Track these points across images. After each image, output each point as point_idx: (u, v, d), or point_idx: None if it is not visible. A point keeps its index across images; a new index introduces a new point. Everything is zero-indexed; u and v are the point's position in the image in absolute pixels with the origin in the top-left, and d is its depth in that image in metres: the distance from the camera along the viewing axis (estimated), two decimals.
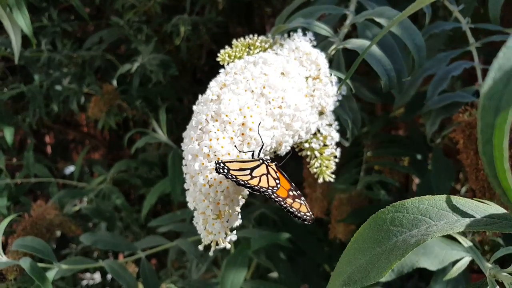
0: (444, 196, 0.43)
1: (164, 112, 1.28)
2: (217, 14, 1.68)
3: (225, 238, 0.57)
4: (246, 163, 0.55)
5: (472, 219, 0.40)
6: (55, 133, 2.30)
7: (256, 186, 0.53)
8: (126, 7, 1.56)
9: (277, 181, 0.55)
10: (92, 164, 1.86)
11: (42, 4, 1.57)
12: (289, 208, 0.54)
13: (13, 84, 1.54)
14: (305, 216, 0.54)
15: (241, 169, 0.54)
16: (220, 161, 0.53)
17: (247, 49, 0.70)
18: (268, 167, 0.56)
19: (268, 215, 1.27)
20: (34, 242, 0.95)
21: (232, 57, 0.69)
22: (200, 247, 0.59)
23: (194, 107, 0.61)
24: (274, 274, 1.29)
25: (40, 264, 0.90)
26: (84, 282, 1.75)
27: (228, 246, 0.58)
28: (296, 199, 0.55)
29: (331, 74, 0.70)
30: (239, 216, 0.58)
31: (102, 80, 1.74)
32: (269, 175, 0.56)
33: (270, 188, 0.54)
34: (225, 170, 0.52)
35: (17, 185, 1.55)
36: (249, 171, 0.54)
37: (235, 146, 0.56)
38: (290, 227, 1.22)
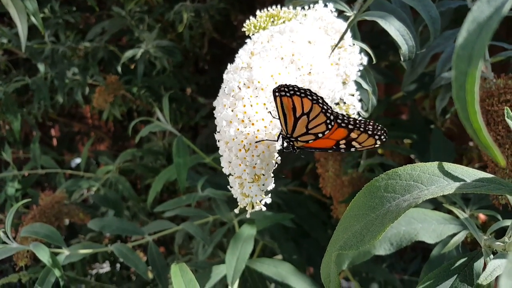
0: (436, 162, 0.44)
1: (167, 100, 1.29)
2: (219, 1, 1.69)
3: (261, 201, 0.58)
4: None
5: (462, 182, 0.41)
6: (61, 126, 2.32)
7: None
8: None
9: None
10: (98, 156, 1.88)
11: None
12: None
13: (17, 77, 1.56)
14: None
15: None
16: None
17: (271, 20, 0.71)
18: None
19: (272, 198, 1.28)
20: (42, 228, 0.96)
21: (257, 28, 0.70)
22: (236, 211, 0.61)
23: (224, 76, 0.62)
24: (279, 257, 1.31)
25: (50, 250, 0.91)
26: (94, 272, 1.78)
27: (264, 208, 0.59)
28: None
29: (353, 44, 0.71)
30: (273, 180, 0.60)
31: (105, 71, 1.75)
32: None
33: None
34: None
35: (24, 177, 1.56)
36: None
37: (269, 112, 0.57)
38: (294, 210, 1.24)
